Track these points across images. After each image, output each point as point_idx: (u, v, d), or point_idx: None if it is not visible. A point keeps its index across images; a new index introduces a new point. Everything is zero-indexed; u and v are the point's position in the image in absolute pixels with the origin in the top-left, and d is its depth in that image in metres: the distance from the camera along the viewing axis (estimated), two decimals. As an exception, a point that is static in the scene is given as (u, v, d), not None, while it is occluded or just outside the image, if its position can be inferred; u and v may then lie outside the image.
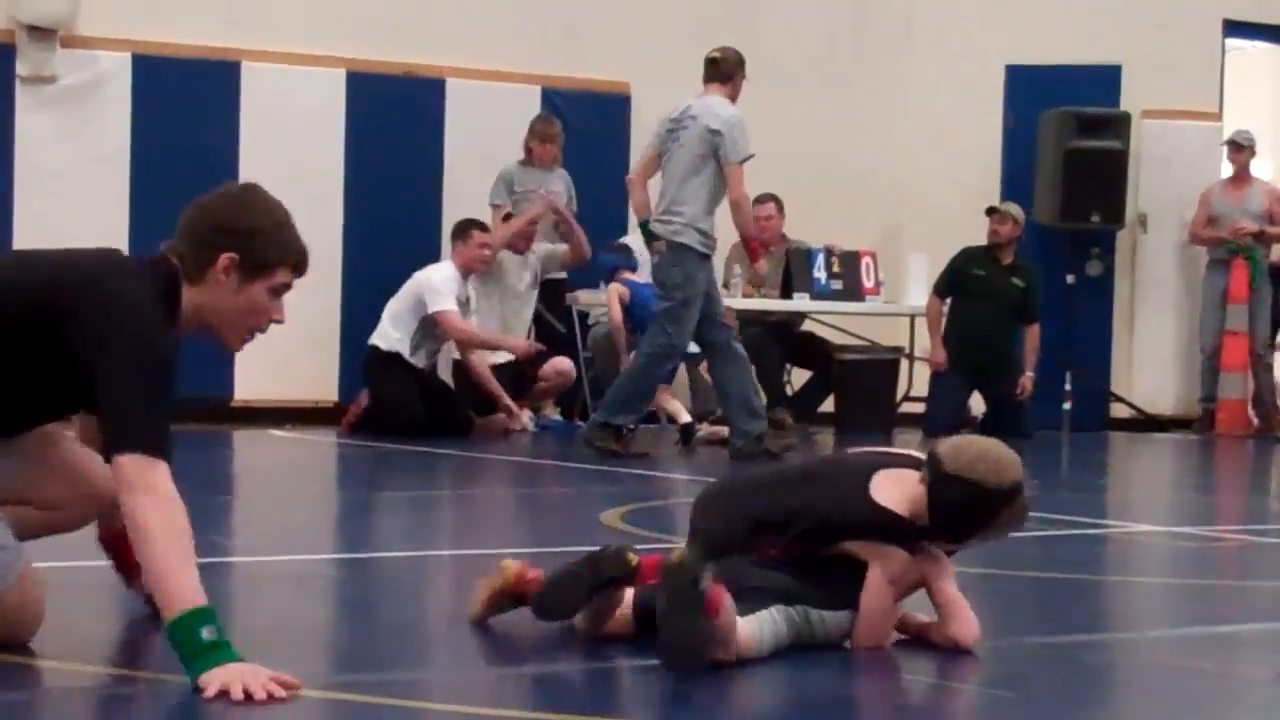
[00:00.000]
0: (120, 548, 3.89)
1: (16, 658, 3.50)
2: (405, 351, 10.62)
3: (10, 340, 3.43)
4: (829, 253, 11.93)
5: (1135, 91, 13.04)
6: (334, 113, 11.51)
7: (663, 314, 9.17)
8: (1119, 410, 13.15)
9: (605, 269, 10.89)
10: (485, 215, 11.15)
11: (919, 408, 12.26)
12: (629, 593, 3.85)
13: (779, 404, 11.18)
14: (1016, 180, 12.93)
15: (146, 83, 11.02)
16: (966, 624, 3.87)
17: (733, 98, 9.36)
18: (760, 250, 9.91)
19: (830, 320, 12.34)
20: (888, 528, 3.86)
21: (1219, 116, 13.47)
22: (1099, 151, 12.65)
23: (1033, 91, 12.96)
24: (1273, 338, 13.10)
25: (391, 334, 10.67)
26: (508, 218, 11.10)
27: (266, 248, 3.61)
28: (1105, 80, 13.04)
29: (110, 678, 3.58)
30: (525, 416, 11.01)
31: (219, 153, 11.15)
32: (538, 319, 11.47)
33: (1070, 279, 12.87)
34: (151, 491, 3.29)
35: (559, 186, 11.39)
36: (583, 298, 11.49)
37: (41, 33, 10.74)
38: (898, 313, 12.50)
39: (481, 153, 11.33)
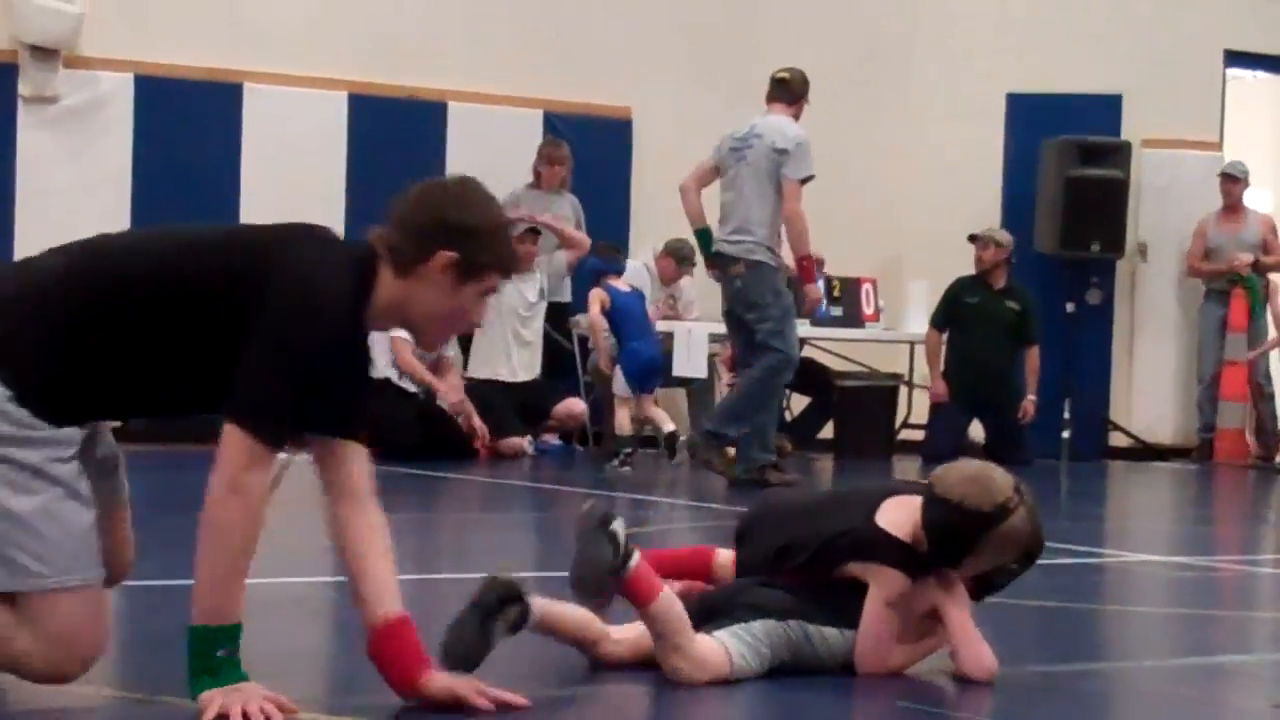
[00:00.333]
0: None
1: (12, 676, 3.49)
2: (394, 376, 10.61)
3: (191, 308, 3.22)
4: (829, 279, 11.95)
5: (1136, 120, 13.07)
6: (336, 134, 11.53)
7: (767, 337, 9.15)
8: (1118, 439, 13.15)
9: (589, 272, 10.79)
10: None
11: (918, 435, 12.27)
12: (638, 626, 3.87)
13: (778, 430, 11.17)
14: (1017, 208, 12.95)
15: (148, 103, 11.04)
16: (974, 657, 3.85)
17: (796, 118, 9.41)
18: (813, 270, 9.72)
19: (830, 346, 12.34)
20: (887, 551, 3.88)
21: (1219, 146, 13.50)
22: (1099, 180, 12.67)
23: (1034, 119, 12.98)
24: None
25: (377, 361, 10.67)
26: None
27: (486, 250, 3.34)
28: (1106, 109, 13.07)
29: (109, 699, 3.56)
30: (526, 442, 10.98)
31: (220, 174, 11.18)
32: (546, 338, 11.45)
33: (1070, 307, 12.88)
34: (242, 493, 3.17)
35: (566, 210, 11.39)
36: (583, 322, 11.49)
37: (44, 53, 10.77)
38: (897, 339, 12.51)
39: (483, 176, 11.00)
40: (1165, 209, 13.18)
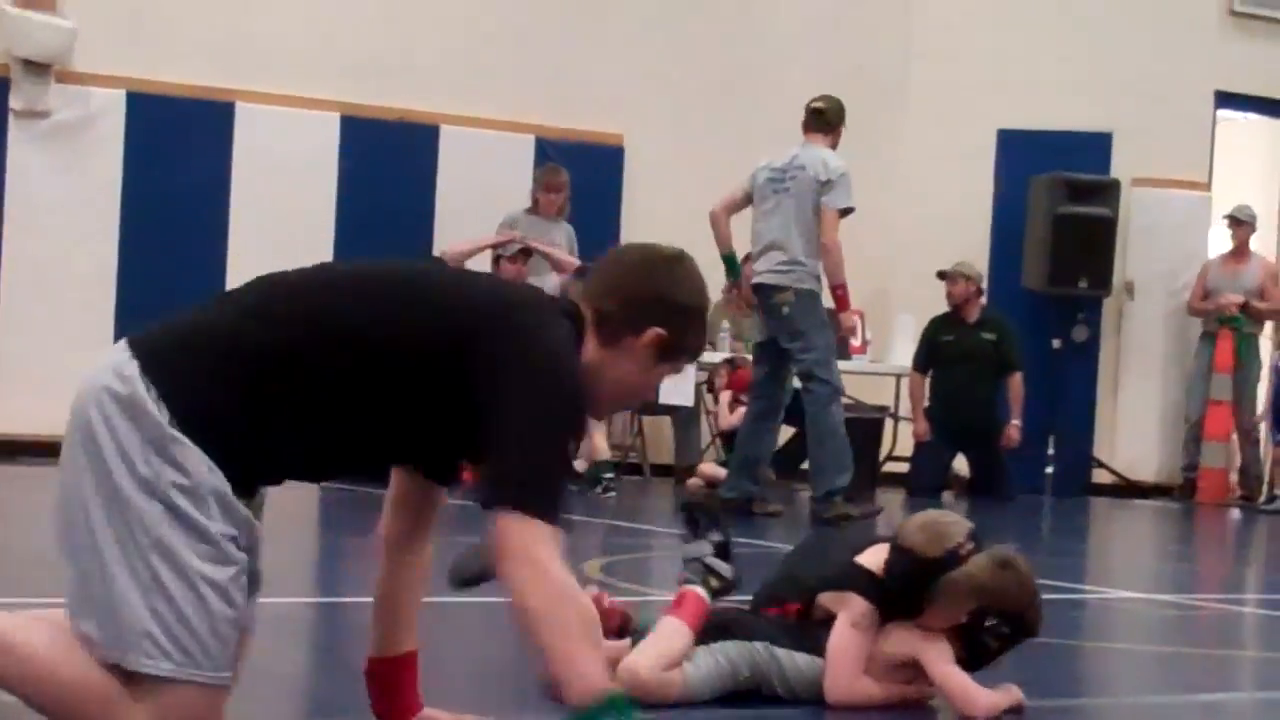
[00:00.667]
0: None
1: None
2: None
3: (398, 372, 3.00)
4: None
5: (1125, 159, 13.12)
6: (327, 156, 11.52)
7: (813, 366, 9.13)
8: (1101, 476, 13.17)
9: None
10: (481, 264, 11.11)
11: (903, 467, 12.27)
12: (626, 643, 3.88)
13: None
14: (1006, 243, 12.98)
15: (140, 120, 11.03)
16: (965, 704, 3.85)
17: (834, 147, 9.44)
18: (848, 299, 9.61)
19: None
20: (855, 580, 3.95)
21: (1208, 187, 13.55)
22: (1088, 218, 12.70)
23: (1024, 156, 13.02)
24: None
25: None
26: (498, 260, 11.05)
27: (692, 334, 3.18)
28: (1096, 147, 13.11)
29: None
30: None
31: (210, 192, 11.18)
32: None
33: (1056, 343, 12.90)
34: (533, 565, 2.84)
35: (560, 238, 11.38)
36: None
37: (36, 67, 10.77)
38: (884, 372, 12.53)
39: (473, 200, 11.34)
40: (1153, 248, 13.22)
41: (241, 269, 11.21)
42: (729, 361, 11.25)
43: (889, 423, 12.52)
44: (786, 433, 12.35)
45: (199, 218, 11.20)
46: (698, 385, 11.43)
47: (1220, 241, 13.46)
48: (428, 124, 11.78)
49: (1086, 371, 13.17)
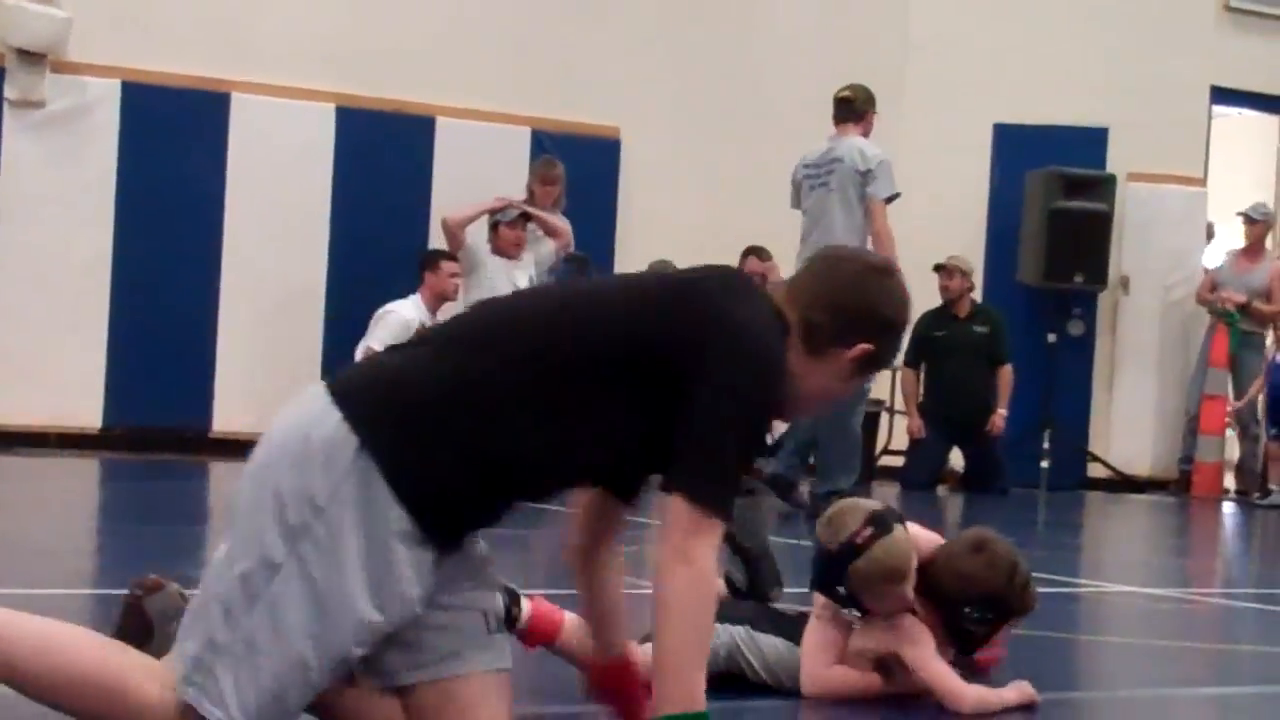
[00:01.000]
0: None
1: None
2: None
3: (611, 375, 2.92)
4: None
5: (1121, 154, 13.12)
6: (322, 147, 11.51)
7: None
8: (1096, 470, 13.18)
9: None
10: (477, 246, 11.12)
11: (898, 461, 12.28)
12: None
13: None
14: (1001, 238, 12.98)
15: (135, 111, 11.02)
16: (948, 694, 3.81)
17: (866, 134, 9.36)
18: None
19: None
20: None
21: (1203, 182, 13.56)
22: (1083, 212, 12.71)
23: (1020, 151, 13.03)
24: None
25: None
26: (496, 226, 11.00)
27: (893, 350, 3.18)
28: (1092, 142, 13.11)
29: None
30: None
31: (206, 183, 11.17)
32: None
33: (1051, 338, 12.91)
34: (692, 564, 2.81)
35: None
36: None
37: (31, 57, 10.75)
38: (878, 366, 12.54)
39: (470, 192, 11.32)
40: (1148, 243, 13.23)
41: (237, 260, 11.23)
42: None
43: (884, 416, 12.52)
44: (779, 428, 12.38)
45: (194, 208, 11.19)
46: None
47: (1219, 238, 13.46)
48: (423, 115, 11.78)
49: (1082, 366, 13.18)
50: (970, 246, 12.71)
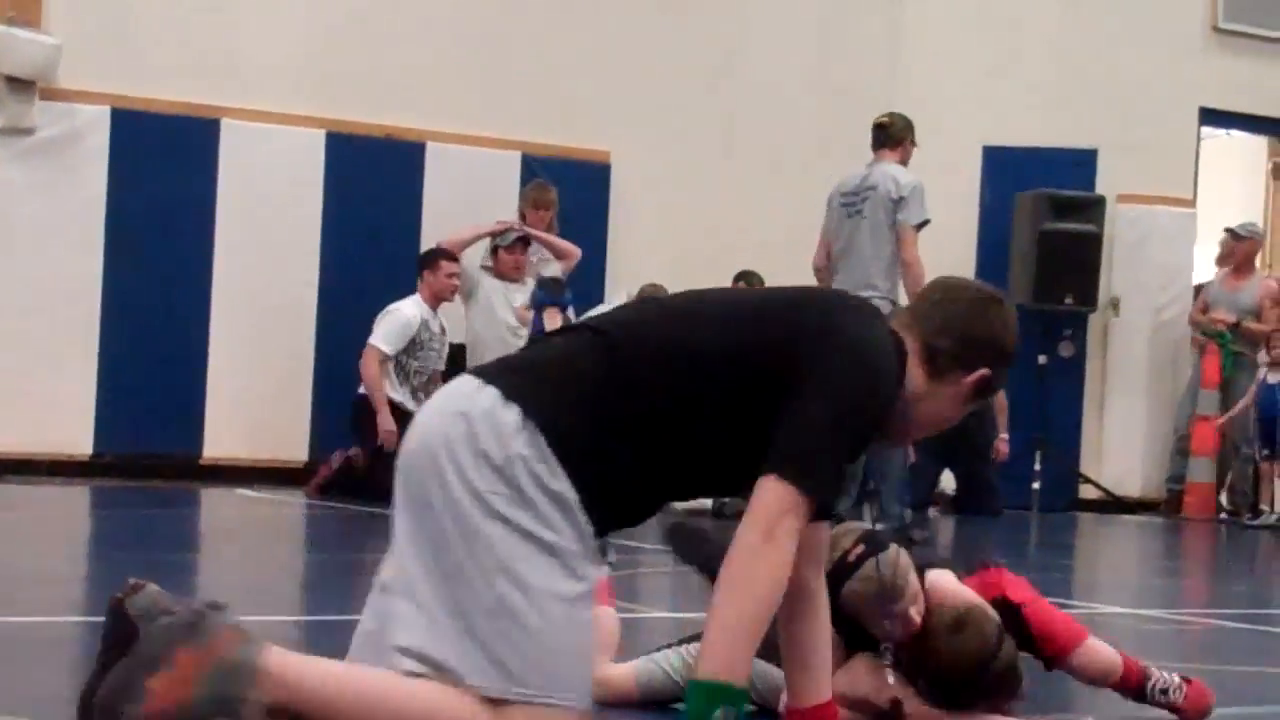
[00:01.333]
0: None
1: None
2: (392, 394, 10.59)
3: (737, 389, 3.00)
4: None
5: (1110, 175, 13.15)
6: (312, 172, 11.51)
7: None
8: (1087, 491, 13.18)
9: (535, 305, 10.69)
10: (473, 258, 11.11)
11: (889, 484, 12.26)
12: (627, 664, 3.87)
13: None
14: (991, 259, 12.99)
15: (125, 137, 11.01)
16: None
17: (904, 162, 9.32)
18: None
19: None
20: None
21: (1193, 203, 13.59)
22: (1073, 234, 12.73)
23: (1009, 173, 13.05)
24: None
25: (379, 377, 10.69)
26: (496, 250, 10.99)
27: (1004, 377, 3.28)
28: (1081, 163, 13.14)
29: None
30: None
31: (196, 209, 11.16)
32: None
33: (1042, 359, 12.92)
34: (770, 540, 2.87)
35: (549, 253, 11.37)
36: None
37: (20, 84, 10.74)
38: (870, 388, 12.53)
39: (460, 217, 11.32)
40: (1138, 264, 13.25)
41: (227, 286, 11.22)
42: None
43: (875, 439, 12.51)
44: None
45: (184, 235, 11.18)
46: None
47: (1206, 257, 13.49)
48: (413, 141, 11.78)
49: (1072, 387, 13.18)
50: (960, 268, 12.66)
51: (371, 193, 11.59)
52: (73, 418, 10.86)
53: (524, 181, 11.72)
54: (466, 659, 2.85)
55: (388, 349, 10.61)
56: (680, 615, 5.42)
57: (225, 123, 11.28)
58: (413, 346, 10.73)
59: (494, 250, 11.01)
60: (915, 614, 3.75)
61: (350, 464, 10.60)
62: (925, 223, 9.12)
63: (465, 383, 3.02)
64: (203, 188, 11.19)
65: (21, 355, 10.74)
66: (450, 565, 2.88)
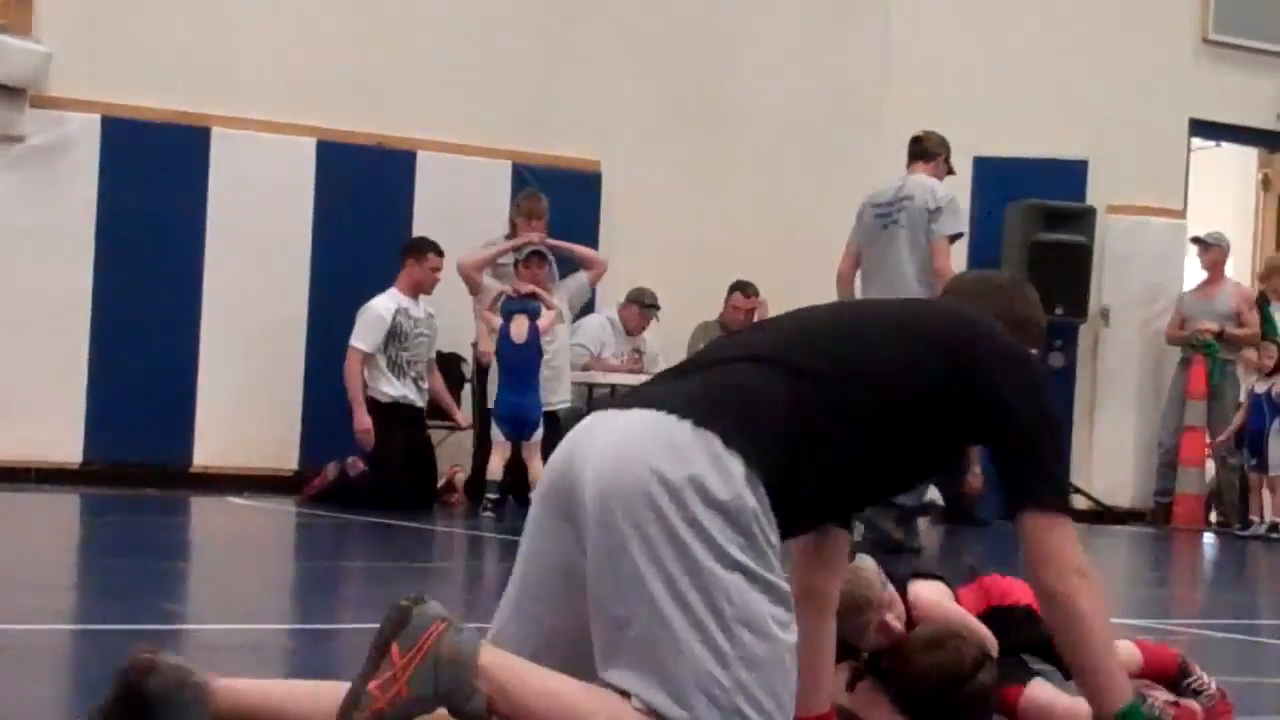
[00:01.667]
0: None
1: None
2: (390, 390, 10.59)
3: (913, 405, 3.06)
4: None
5: (1101, 186, 13.17)
6: (303, 181, 11.51)
7: None
8: (1077, 502, 13.18)
9: (506, 311, 10.64)
10: (456, 290, 11.06)
11: (879, 494, 12.28)
12: None
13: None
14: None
15: (115, 145, 11.01)
16: None
17: (937, 177, 9.33)
18: None
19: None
20: None
21: (1183, 214, 13.61)
22: (1064, 244, 12.74)
23: (1000, 183, 13.06)
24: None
25: (376, 381, 10.68)
26: (516, 265, 10.96)
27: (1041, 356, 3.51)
28: (1072, 174, 13.16)
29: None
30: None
31: (186, 217, 11.16)
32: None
33: (1032, 370, 12.91)
34: (1085, 575, 3.08)
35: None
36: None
37: (11, 92, 10.74)
38: (860, 397, 12.54)
39: (450, 226, 11.33)
40: (1128, 275, 13.27)
41: (218, 294, 11.22)
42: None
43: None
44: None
45: (174, 243, 11.17)
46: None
47: (1196, 268, 13.51)
48: (404, 150, 11.78)
49: (1062, 397, 13.18)
50: (951, 278, 12.72)
51: (362, 201, 11.59)
52: (63, 426, 10.85)
53: (515, 190, 11.72)
54: (698, 707, 2.79)
55: (365, 346, 10.64)
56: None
57: (216, 131, 11.28)
58: (397, 338, 10.74)
59: (514, 265, 10.95)
60: (894, 621, 3.74)
61: (345, 473, 10.57)
62: (959, 235, 9.14)
63: (663, 420, 2.90)
64: (193, 196, 11.19)
65: (11, 363, 10.73)
66: (669, 612, 2.80)
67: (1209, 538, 12.57)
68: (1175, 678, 4.07)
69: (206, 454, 11.18)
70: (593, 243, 12.17)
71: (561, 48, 12.37)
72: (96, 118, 11.00)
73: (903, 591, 3.85)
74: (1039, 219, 12.77)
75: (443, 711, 2.82)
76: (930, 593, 3.91)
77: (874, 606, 3.70)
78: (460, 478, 10.94)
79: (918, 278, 9.02)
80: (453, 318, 11.13)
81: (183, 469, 11.11)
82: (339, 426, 10.73)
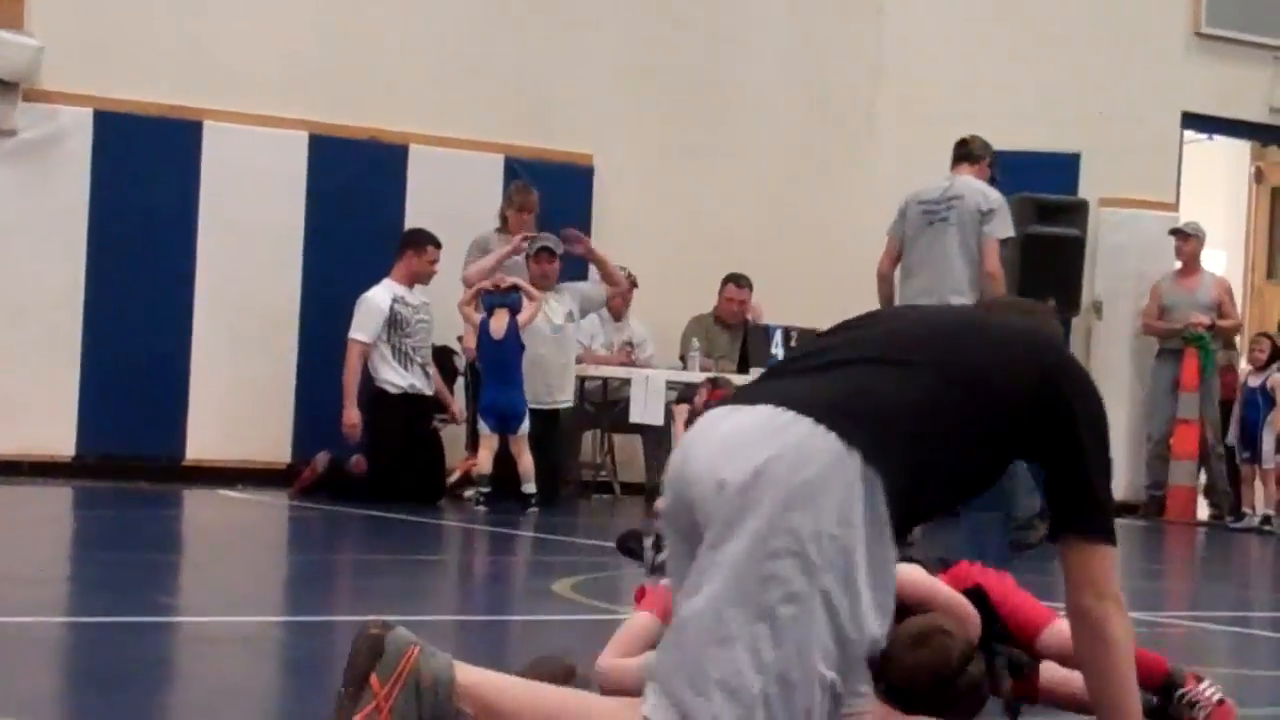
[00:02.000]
0: None
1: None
2: (398, 379, 10.59)
3: (999, 418, 3.11)
4: (786, 330, 11.99)
5: (1093, 180, 13.17)
6: (295, 175, 11.49)
7: None
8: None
9: (487, 305, 10.68)
10: (450, 282, 11.04)
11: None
12: (634, 660, 3.86)
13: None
14: (974, 263, 13.00)
15: (107, 139, 10.98)
16: None
17: (984, 180, 9.36)
18: None
19: (785, 397, 12.36)
20: None
21: (1175, 207, 13.62)
22: (1056, 238, 12.74)
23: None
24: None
25: (381, 371, 10.67)
26: (528, 259, 10.96)
27: None
28: (1064, 168, 13.15)
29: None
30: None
31: (178, 211, 11.14)
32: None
33: (1025, 363, 12.92)
34: (1116, 601, 3.16)
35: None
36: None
37: (2, 86, 10.71)
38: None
39: (443, 220, 11.31)
40: (1121, 268, 13.27)
41: (210, 288, 11.20)
42: (711, 380, 11.22)
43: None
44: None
45: (167, 237, 11.16)
46: (668, 404, 11.41)
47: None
48: (397, 144, 11.77)
49: (1055, 391, 13.18)
50: (943, 272, 12.71)
51: (354, 195, 11.57)
52: (55, 419, 10.84)
53: (507, 184, 11.70)
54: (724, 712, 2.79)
55: (364, 337, 10.64)
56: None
57: (208, 125, 11.26)
58: (397, 326, 10.72)
59: (525, 259, 10.93)
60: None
61: (336, 465, 10.56)
62: (1009, 239, 9.18)
63: (809, 427, 2.89)
64: (185, 190, 11.17)
65: (4, 357, 10.72)
66: (749, 623, 2.80)
67: (1202, 530, 12.57)
68: (1161, 685, 4.01)
69: (199, 447, 11.17)
70: (584, 235, 12.17)
71: (553, 41, 12.36)
72: (89, 111, 10.98)
73: None
74: (1032, 212, 12.75)
75: None
76: (908, 574, 3.91)
77: None
78: (476, 471, 10.84)
79: (966, 275, 9.04)
80: (444, 312, 11.11)
81: (175, 462, 11.10)
82: (332, 420, 10.72)
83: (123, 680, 3.79)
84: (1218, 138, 15.12)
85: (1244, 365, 13.25)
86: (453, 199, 11.60)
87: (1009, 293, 9.93)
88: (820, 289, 12.77)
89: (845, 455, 2.85)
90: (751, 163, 12.82)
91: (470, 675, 2.88)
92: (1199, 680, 4.03)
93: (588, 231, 11.77)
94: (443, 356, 11.44)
